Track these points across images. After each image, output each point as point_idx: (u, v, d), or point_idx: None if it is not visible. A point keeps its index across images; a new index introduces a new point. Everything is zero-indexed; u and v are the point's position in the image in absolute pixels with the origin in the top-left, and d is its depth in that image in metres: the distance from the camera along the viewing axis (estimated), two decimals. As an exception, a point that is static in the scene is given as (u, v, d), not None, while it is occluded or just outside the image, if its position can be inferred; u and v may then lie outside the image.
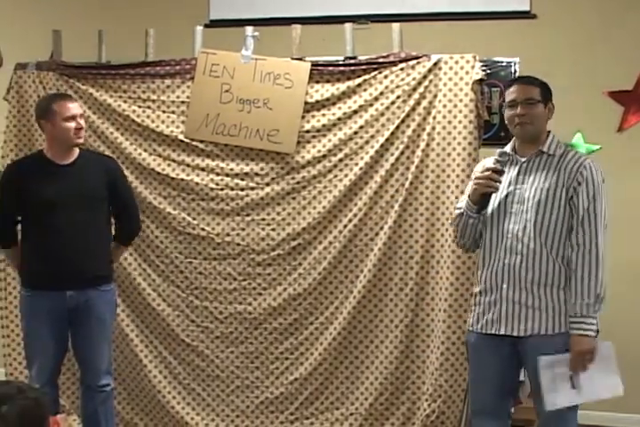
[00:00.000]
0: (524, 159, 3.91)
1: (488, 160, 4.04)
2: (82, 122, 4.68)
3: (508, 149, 3.97)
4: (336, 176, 5.03)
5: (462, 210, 3.94)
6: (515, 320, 3.82)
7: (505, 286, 3.84)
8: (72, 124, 4.62)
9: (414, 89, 4.87)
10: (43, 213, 4.60)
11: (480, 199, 3.84)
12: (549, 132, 3.95)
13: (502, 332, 3.85)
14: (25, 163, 4.86)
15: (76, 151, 4.75)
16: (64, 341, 4.74)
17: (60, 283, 4.59)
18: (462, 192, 4.21)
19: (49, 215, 4.58)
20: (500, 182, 3.80)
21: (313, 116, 5.06)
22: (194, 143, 5.20)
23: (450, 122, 4.80)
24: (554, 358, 3.72)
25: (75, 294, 4.61)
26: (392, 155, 4.91)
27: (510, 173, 3.90)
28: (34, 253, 4.69)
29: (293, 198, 5.09)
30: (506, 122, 4.00)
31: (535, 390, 3.83)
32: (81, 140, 4.69)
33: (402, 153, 4.89)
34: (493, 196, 3.87)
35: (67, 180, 4.65)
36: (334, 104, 5.03)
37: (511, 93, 3.90)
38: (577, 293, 3.72)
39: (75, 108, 4.67)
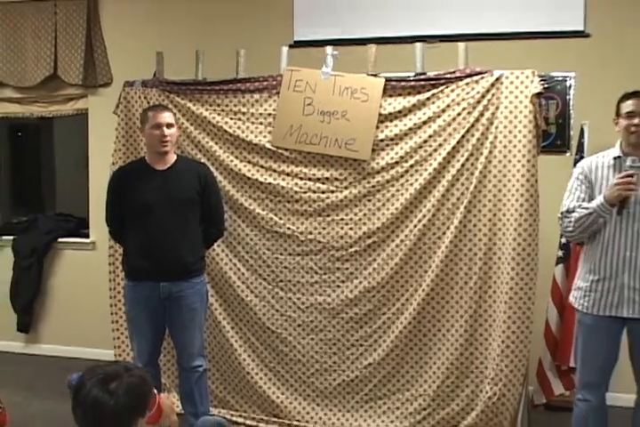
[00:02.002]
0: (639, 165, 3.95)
1: (585, 161, 4.21)
2: (168, 131, 4.61)
3: (616, 153, 4.06)
4: (407, 181, 4.96)
5: (592, 210, 3.96)
6: (636, 304, 3.96)
7: (625, 275, 3.97)
8: (157, 132, 4.61)
9: (478, 102, 4.80)
10: (142, 214, 4.62)
11: (618, 201, 3.89)
12: None
13: (622, 314, 3.99)
14: (127, 169, 4.89)
15: (173, 157, 4.75)
16: (160, 326, 4.75)
17: (156, 276, 4.62)
18: (570, 190, 4.19)
19: (147, 216, 4.60)
20: (636, 184, 3.87)
21: (386, 127, 4.99)
22: (279, 151, 5.16)
23: (510, 131, 4.72)
24: None
25: (168, 284, 4.62)
26: (458, 161, 4.84)
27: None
28: (134, 249, 4.71)
29: (369, 200, 5.03)
30: (618, 129, 4.08)
31: None
32: (165, 149, 4.64)
33: (467, 160, 4.82)
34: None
35: (162, 184, 4.65)
36: (406, 116, 4.96)
37: (630, 105, 4.01)
38: None
39: (163, 117, 4.63)
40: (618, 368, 4.10)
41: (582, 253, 4.27)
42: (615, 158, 4.04)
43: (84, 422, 2.46)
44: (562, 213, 4.13)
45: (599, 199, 3.94)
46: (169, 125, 4.62)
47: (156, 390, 2.73)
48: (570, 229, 4.07)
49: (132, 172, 4.77)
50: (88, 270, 6.64)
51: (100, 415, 2.42)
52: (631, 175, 3.84)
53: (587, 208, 3.98)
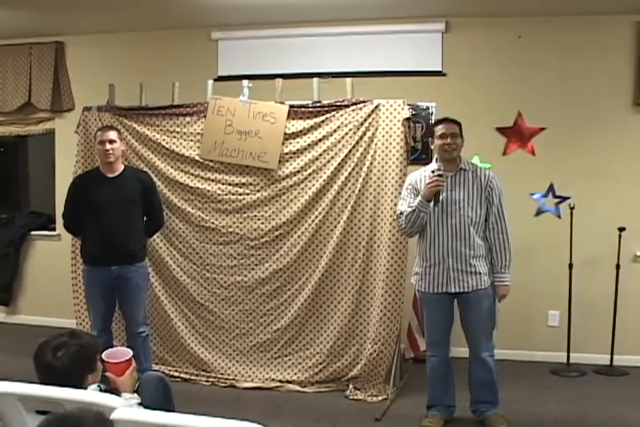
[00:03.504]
0: (450, 174, 3.98)
1: (413, 174, 4.14)
2: (110, 146, 4.48)
3: (434, 167, 3.99)
4: (306, 185, 4.90)
5: (414, 208, 3.93)
6: (460, 282, 3.95)
7: (450, 259, 3.95)
8: (101, 147, 4.52)
9: (361, 124, 4.78)
10: (97, 212, 4.50)
11: (433, 197, 3.87)
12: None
13: (451, 290, 3.98)
14: (85, 176, 4.78)
15: (121, 167, 4.65)
16: (111, 301, 4.62)
17: (107, 261, 4.50)
18: (402, 198, 4.09)
19: (101, 214, 4.49)
20: (444, 182, 3.87)
21: (290, 143, 4.93)
22: (206, 162, 5.06)
23: (387, 147, 4.70)
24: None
25: (118, 268, 4.51)
26: (346, 170, 4.81)
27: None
28: (90, 241, 4.59)
29: (276, 201, 4.96)
30: (433, 148, 4.07)
31: (488, 319, 4.01)
32: (109, 159, 4.52)
33: (353, 169, 4.79)
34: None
35: (113, 188, 4.55)
36: (305, 134, 4.91)
37: (441, 129, 3.99)
38: (497, 259, 3.99)
39: (107, 135, 4.52)
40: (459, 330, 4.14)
41: (416, 245, 4.18)
42: (433, 171, 3.96)
43: (43, 378, 2.47)
44: (397, 216, 4.11)
45: (418, 198, 3.93)
46: (111, 141, 4.50)
47: (133, 354, 2.89)
48: (403, 225, 4.03)
49: (88, 178, 4.65)
50: (54, 257, 6.42)
51: (52, 375, 2.44)
52: (441, 175, 3.85)
53: (411, 206, 3.96)
